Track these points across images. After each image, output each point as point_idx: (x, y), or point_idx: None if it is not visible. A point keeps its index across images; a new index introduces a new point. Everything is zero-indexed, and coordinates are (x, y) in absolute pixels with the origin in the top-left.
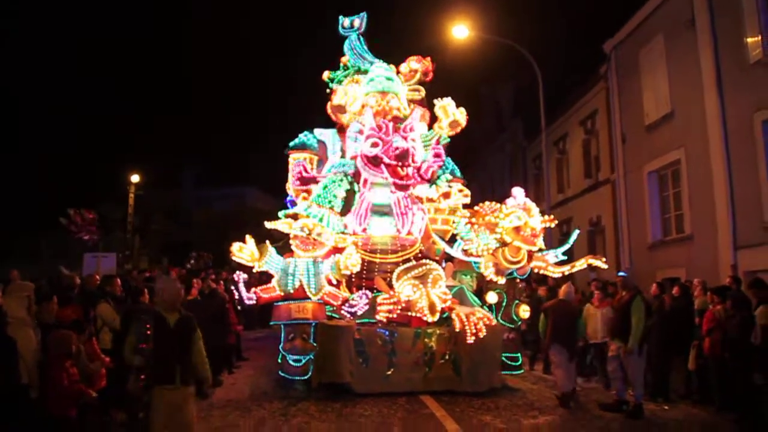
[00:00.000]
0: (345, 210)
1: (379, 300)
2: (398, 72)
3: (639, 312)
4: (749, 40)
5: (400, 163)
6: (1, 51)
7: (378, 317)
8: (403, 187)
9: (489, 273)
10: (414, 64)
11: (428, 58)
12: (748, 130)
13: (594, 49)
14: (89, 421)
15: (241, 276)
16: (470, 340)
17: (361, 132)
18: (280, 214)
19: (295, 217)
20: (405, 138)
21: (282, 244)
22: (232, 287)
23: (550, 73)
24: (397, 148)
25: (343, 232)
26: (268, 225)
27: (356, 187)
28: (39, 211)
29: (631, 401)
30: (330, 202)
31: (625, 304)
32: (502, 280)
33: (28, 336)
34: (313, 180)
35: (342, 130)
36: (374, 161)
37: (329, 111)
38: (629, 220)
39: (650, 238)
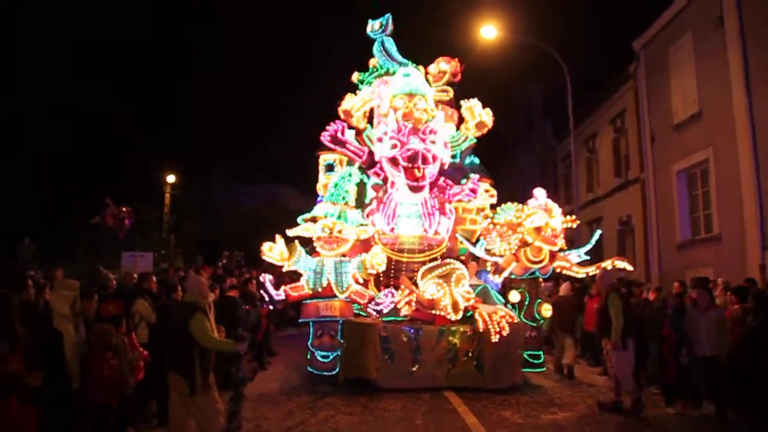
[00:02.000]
0: (359, 202)
1: (397, 298)
2: (427, 73)
3: (615, 307)
4: None
5: (411, 165)
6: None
7: (402, 314)
8: (416, 189)
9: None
10: (443, 65)
11: (456, 59)
12: None
13: (623, 48)
14: (128, 409)
15: (267, 277)
16: (495, 339)
17: (386, 133)
18: (299, 219)
19: (314, 220)
20: (423, 140)
21: (310, 249)
22: (261, 289)
23: (580, 72)
24: (408, 150)
25: (362, 224)
26: (290, 233)
27: (366, 180)
28: (76, 210)
29: (626, 399)
30: (344, 198)
31: (604, 302)
32: (499, 279)
33: (68, 331)
34: (343, 144)
35: (358, 132)
36: (393, 162)
37: (340, 113)
38: (658, 219)
39: (679, 238)
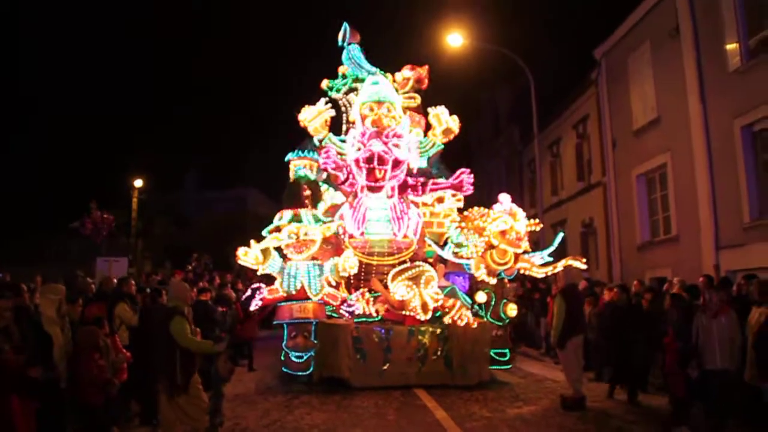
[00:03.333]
0: (315, 200)
1: (369, 297)
2: (394, 81)
3: (558, 308)
4: (728, 48)
5: (369, 165)
6: (8, 51)
7: (358, 310)
8: (373, 189)
9: (480, 274)
10: (407, 72)
11: (425, 67)
12: (728, 135)
13: (585, 56)
14: (112, 409)
15: (264, 288)
16: (448, 320)
17: (354, 137)
18: (264, 232)
19: (278, 229)
20: (385, 143)
21: (282, 256)
22: (249, 293)
23: (544, 79)
24: (367, 151)
25: (324, 221)
26: (259, 247)
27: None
28: (41, 214)
29: (569, 394)
30: (298, 202)
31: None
32: (493, 281)
33: (56, 333)
34: (341, 168)
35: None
36: (357, 164)
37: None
38: (619, 221)
39: (639, 239)
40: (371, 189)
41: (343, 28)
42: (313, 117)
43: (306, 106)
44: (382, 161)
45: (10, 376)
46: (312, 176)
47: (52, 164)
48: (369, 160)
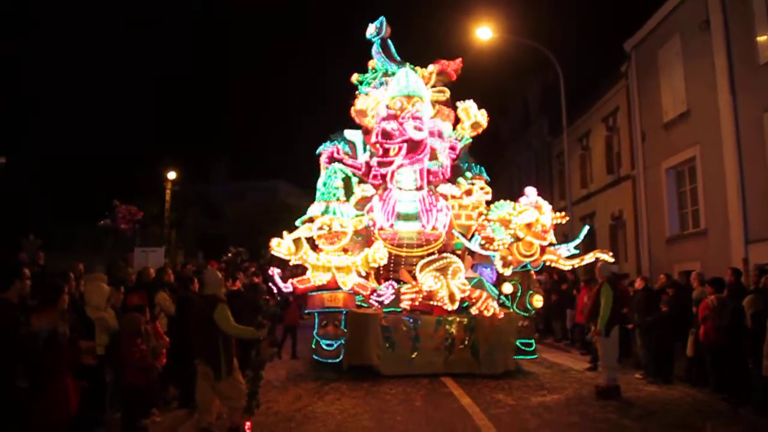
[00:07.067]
0: (347, 194)
1: (402, 290)
2: (423, 75)
3: (606, 297)
4: (759, 41)
5: (376, 140)
6: (36, 48)
7: (402, 306)
8: (381, 164)
9: (497, 266)
10: (433, 66)
11: (458, 59)
12: (758, 129)
13: (615, 48)
14: (152, 392)
15: (275, 271)
16: (474, 311)
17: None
18: (297, 222)
19: (311, 220)
20: (400, 123)
21: (313, 246)
22: (269, 282)
23: (574, 71)
24: (380, 128)
25: (356, 215)
26: (291, 236)
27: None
28: (76, 206)
29: (602, 382)
30: (334, 194)
31: (597, 290)
32: (508, 272)
33: (101, 317)
34: (340, 162)
35: (367, 132)
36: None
37: (353, 114)
38: (648, 214)
39: (668, 232)
40: (380, 164)
41: (379, 22)
42: (375, 105)
43: (361, 95)
44: (388, 136)
45: (67, 355)
46: (339, 172)
47: (85, 157)
48: (376, 135)
